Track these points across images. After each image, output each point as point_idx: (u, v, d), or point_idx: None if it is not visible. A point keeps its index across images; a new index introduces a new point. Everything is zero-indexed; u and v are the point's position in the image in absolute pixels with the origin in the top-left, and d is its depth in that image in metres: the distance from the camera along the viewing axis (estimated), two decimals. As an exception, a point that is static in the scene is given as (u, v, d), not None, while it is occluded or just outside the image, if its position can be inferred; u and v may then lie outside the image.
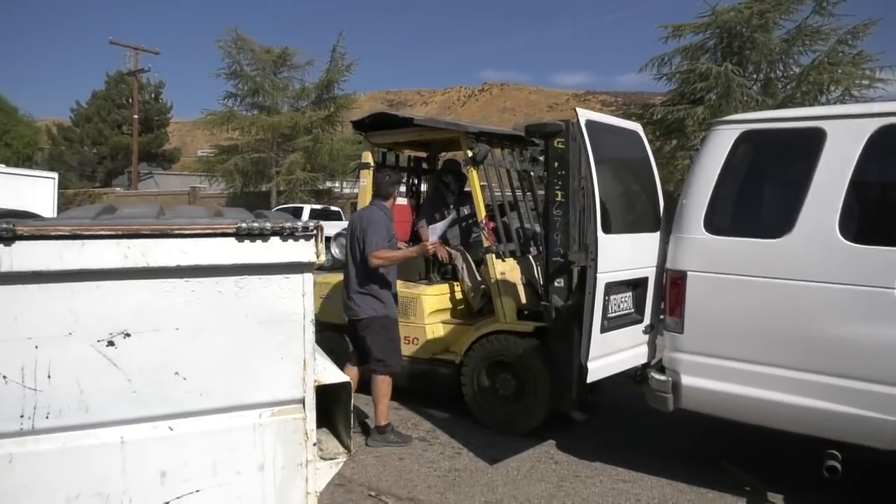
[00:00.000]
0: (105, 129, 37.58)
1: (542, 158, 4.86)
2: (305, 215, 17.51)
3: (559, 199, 4.18)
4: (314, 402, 2.04)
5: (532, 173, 5.49)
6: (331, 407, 2.27)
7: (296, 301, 1.99)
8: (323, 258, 1.98)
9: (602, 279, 3.48)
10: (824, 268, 3.23)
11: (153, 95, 39.97)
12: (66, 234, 1.70)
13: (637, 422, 4.93)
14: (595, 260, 3.43)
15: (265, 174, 24.10)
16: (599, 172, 3.51)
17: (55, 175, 20.66)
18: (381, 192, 4.41)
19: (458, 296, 5.32)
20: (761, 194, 3.88)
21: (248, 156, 23.72)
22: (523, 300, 4.84)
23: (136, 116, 32.89)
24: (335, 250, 14.75)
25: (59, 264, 1.70)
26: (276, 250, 1.93)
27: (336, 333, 5.31)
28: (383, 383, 4.35)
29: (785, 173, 3.72)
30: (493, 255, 4.77)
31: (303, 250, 1.95)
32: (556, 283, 4.24)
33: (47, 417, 1.74)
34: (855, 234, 3.18)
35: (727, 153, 3.57)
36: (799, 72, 15.87)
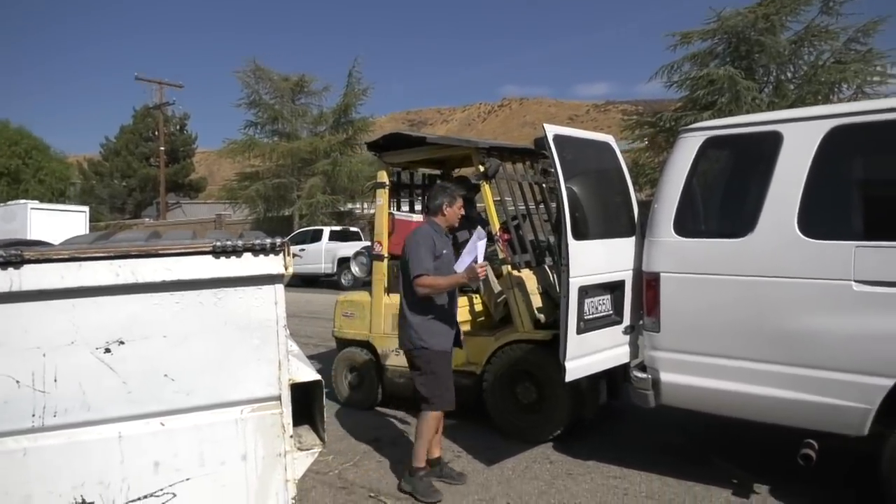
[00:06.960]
0: (133, 162, 38.98)
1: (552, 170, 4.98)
2: (325, 237, 17.98)
3: None
4: (290, 398, 2.30)
5: (544, 185, 5.61)
6: (310, 404, 2.53)
7: (269, 308, 2.26)
8: (291, 270, 2.24)
9: (575, 283, 3.69)
10: (786, 264, 3.39)
11: (178, 127, 41.29)
12: (66, 257, 1.99)
13: (636, 420, 5.08)
14: (567, 266, 3.64)
15: (287, 199, 24.72)
16: (569, 183, 3.73)
17: (86, 209, 21.53)
18: (430, 207, 4.04)
19: (478, 308, 5.38)
20: (725, 196, 4.05)
21: (270, 181, 24.42)
22: (540, 309, 4.86)
23: (162, 148, 33.96)
24: (355, 269, 14.85)
25: (60, 283, 1.99)
26: (248, 265, 2.20)
27: (359, 349, 5.61)
28: (423, 422, 3.91)
29: (747, 175, 3.90)
30: (510, 267, 4.84)
31: (273, 264, 2.22)
32: None
33: (55, 416, 2.03)
34: (813, 231, 3.34)
35: (693, 159, 3.76)
36: (805, 72, 15.91)
